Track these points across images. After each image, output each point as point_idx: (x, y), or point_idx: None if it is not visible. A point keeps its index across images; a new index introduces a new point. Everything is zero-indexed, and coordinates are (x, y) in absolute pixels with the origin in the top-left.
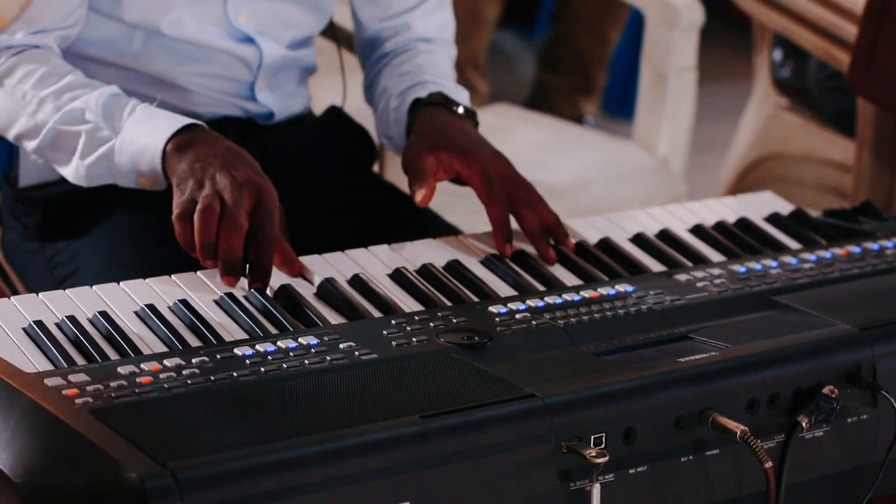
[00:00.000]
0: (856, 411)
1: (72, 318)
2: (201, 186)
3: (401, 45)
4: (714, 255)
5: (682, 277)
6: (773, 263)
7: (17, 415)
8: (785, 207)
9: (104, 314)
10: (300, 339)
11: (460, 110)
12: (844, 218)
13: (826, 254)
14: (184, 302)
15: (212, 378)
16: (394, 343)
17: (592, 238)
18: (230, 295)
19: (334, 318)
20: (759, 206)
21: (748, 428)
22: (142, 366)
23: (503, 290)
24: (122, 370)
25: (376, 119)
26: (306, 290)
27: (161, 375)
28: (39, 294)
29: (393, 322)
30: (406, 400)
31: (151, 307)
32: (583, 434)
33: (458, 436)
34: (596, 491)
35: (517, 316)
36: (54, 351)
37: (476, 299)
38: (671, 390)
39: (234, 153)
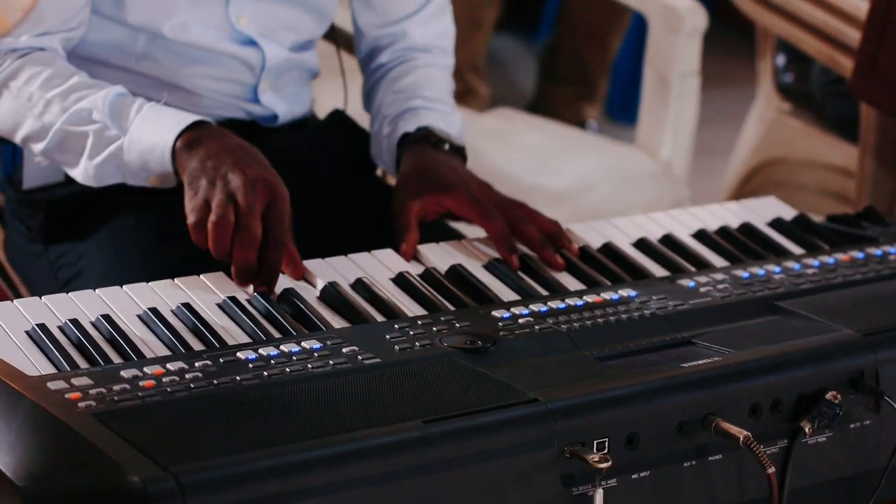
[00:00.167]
0: (859, 417)
1: (75, 322)
2: (213, 185)
3: (398, 55)
4: (717, 260)
5: (685, 282)
6: (777, 269)
7: (19, 418)
8: (788, 213)
9: (107, 317)
10: (303, 343)
11: (446, 147)
12: (847, 223)
13: (829, 259)
14: (187, 305)
15: (215, 382)
16: (397, 347)
17: (595, 243)
18: (233, 298)
19: (337, 323)
20: (763, 211)
21: (751, 433)
22: (145, 369)
23: (506, 294)
24: (125, 373)
25: (371, 138)
26: (309, 294)
27: (164, 379)
28: (42, 297)
29: (396, 326)
30: (409, 404)
31: (154, 310)
32: (586, 439)
33: (460, 440)
34: (599, 496)
35: (520, 320)
36: (57, 354)
37: (479, 304)
38: (674, 395)
39: (245, 150)
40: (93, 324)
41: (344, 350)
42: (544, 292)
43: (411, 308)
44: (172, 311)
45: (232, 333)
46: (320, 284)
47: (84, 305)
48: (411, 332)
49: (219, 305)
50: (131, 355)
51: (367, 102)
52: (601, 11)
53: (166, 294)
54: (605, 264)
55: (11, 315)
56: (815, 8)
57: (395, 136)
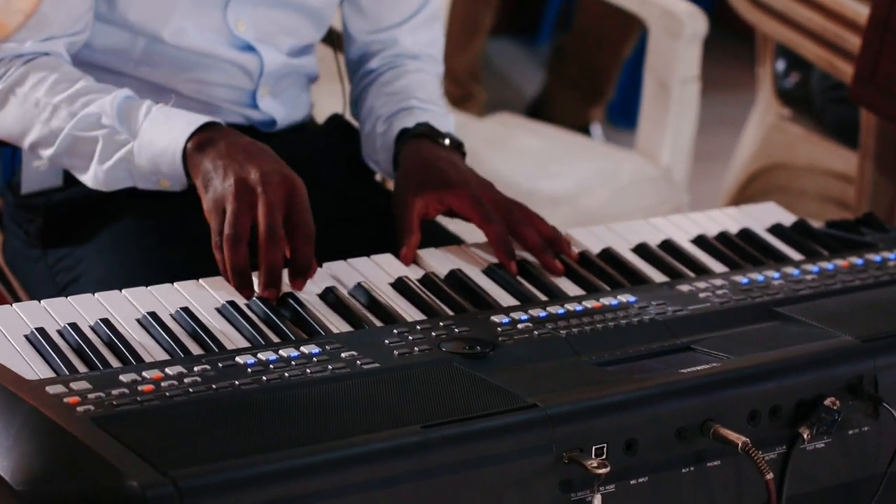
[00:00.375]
0: (857, 423)
1: (73, 326)
2: (227, 183)
3: (388, 61)
4: (716, 266)
5: (684, 288)
6: (776, 274)
7: (18, 422)
8: (787, 218)
9: (106, 321)
10: (302, 348)
11: (446, 142)
12: (847, 229)
13: (828, 265)
14: (186, 310)
15: (213, 386)
16: (396, 352)
17: (595, 248)
18: (232, 303)
19: (336, 327)
20: (762, 216)
21: (749, 439)
22: (143, 374)
23: (505, 299)
24: (123, 378)
25: (363, 140)
26: (308, 299)
27: (163, 383)
28: (41, 301)
29: (395, 331)
30: (408, 409)
31: (153, 315)
32: (584, 445)
33: (459, 446)
34: (597, 502)
35: (519, 326)
36: (56, 358)
37: (478, 309)
38: (673, 401)
39: (257, 146)
40: (92, 328)
41: (343, 355)
42: (543, 298)
43: (410, 313)
44: (171, 315)
45: (231, 338)
46: (319, 289)
47: (83, 309)
48: (410, 337)
49: (218, 310)
50: (130, 360)
51: (354, 107)
52: (615, 18)
53: (165, 298)
54: (605, 269)
55: (10, 319)
56: (815, 13)
57: (391, 133)
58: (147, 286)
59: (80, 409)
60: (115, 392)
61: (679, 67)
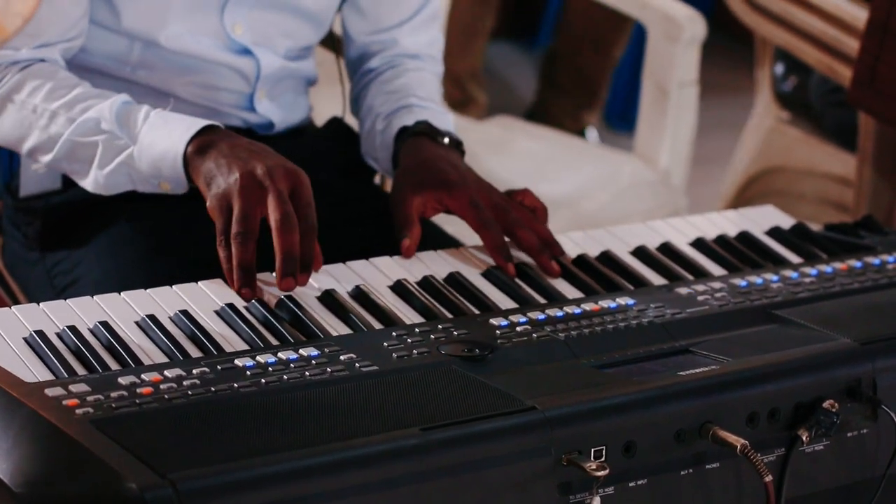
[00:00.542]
0: (856, 426)
1: (72, 328)
2: (231, 178)
3: (388, 60)
4: (715, 269)
5: (683, 291)
6: (774, 277)
7: (17, 424)
8: (786, 221)
9: (105, 324)
10: (301, 351)
11: (446, 141)
12: (845, 232)
13: (827, 268)
14: (185, 312)
15: (212, 389)
16: (394, 355)
17: (593, 251)
18: (231, 306)
19: (335, 330)
20: (761, 219)
21: (748, 442)
22: (142, 376)
23: (504, 302)
24: (122, 380)
25: (362, 137)
26: (307, 301)
27: (162, 386)
28: (40, 304)
29: (394, 334)
30: (406, 412)
31: (152, 317)
32: (583, 447)
33: (458, 448)
34: None
35: (518, 328)
36: (55, 361)
37: (477, 311)
38: (671, 404)
39: (258, 146)
40: (91, 331)
41: (341, 357)
42: (542, 300)
43: (409, 316)
44: (170, 317)
45: (230, 340)
46: (318, 291)
47: (82, 312)
48: (409, 340)
49: (217, 312)
50: (129, 362)
51: (354, 106)
52: (604, 21)
53: (164, 301)
54: (603, 272)
55: (9, 322)
56: (814, 17)
57: (390, 130)
58: (145, 289)
59: (78, 411)
60: (113, 394)
61: (678, 71)
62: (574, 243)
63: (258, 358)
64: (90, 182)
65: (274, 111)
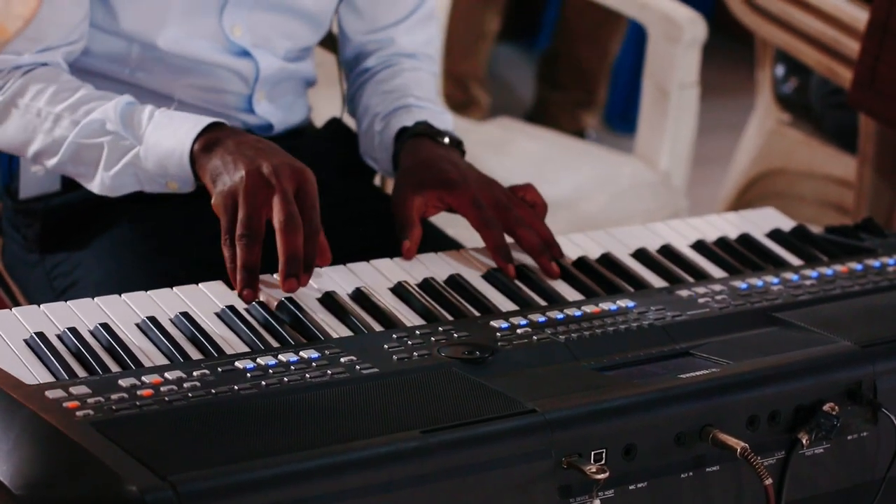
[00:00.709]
0: (856, 428)
1: (73, 330)
2: (237, 175)
3: (384, 60)
4: (715, 271)
5: (683, 293)
6: (775, 280)
7: (17, 426)
8: (786, 223)
9: (105, 326)
10: (301, 353)
11: (445, 140)
12: (846, 234)
13: (827, 270)
14: (185, 314)
15: (213, 391)
16: (395, 357)
17: (594, 253)
18: (231, 308)
19: (335, 332)
20: (761, 221)
21: (748, 444)
22: (143, 378)
23: (504, 304)
24: (123, 382)
25: (360, 137)
26: (308, 304)
27: (162, 388)
28: (41, 305)
29: (394, 336)
30: (407, 414)
31: (153, 319)
32: (583, 450)
33: (458, 451)
34: None
35: (518, 331)
36: (55, 363)
37: (477, 314)
38: (672, 406)
39: (264, 143)
40: (91, 332)
41: (342, 360)
42: (543, 303)
43: (409, 318)
44: (171, 319)
45: (230, 343)
46: (319, 293)
47: (82, 314)
48: (409, 342)
49: (217, 314)
50: (129, 364)
51: (351, 105)
52: (599, 16)
53: (164, 303)
54: (604, 274)
55: (10, 323)
56: (814, 18)
57: (389, 131)
58: (146, 290)
59: (79, 413)
60: (114, 397)
61: (678, 73)
62: (574, 245)
63: (259, 360)
64: (97, 184)
65: (273, 113)
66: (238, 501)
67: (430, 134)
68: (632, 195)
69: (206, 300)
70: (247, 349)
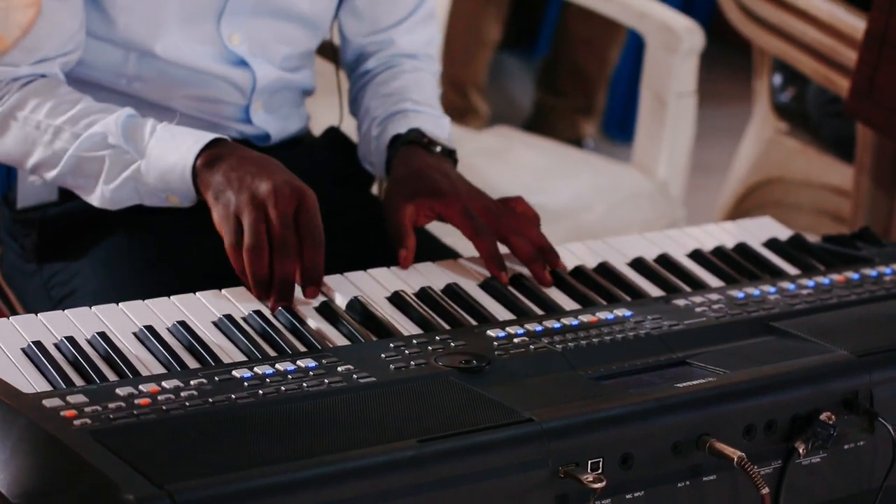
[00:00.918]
0: (853, 438)
1: (70, 339)
2: (241, 196)
3: (385, 60)
4: (712, 281)
5: (680, 302)
6: (772, 289)
7: (15, 435)
8: (783, 233)
9: (103, 335)
10: (298, 362)
11: (438, 149)
12: (843, 244)
13: (824, 280)
14: (182, 324)
15: (210, 400)
16: (392, 366)
17: (591, 262)
18: (229, 317)
19: (333, 341)
20: (758, 231)
21: (745, 454)
22: (140, 387)
23: (501, 313)
24: (120, 391)
25: (359, 139)
26: (305, 313)
27: (159, 397)
28: (38, 314)
29: (391, 345)
30: (404, 424)
31: (150, 328)
32: (580, 459)
33: (455, 460)
34: None
35: (515, 340)
36: (53, 372)
37: (474, 323)
38: (668, 416)
39: (266, 160)
40: (88, 341)
41: (339, 369)
42: (540, 312)
43: (407, 327)
44: (168, 329)
45: (227, 351)
46: (316, 303)
47: (80, 323)
48: (406, 351)
49: (214, 323)
50: (127, 373)
51: (353, 106)
52: (598, 24)
53: (162, 312)
54: (601, 284)
55: (7, 332)
56: (811, 28)
57: (384, 137)
58: (143, 300)
59: (76, 422)
60: (111, 405)
61: (676, 82)
62: (572, 254)
63: (256, 369)
64: (97, 197)
65: (270, 123)
66: None
67: (423, 142)
68: (629, 204)
69: (203, 309)
70: (244, 358)
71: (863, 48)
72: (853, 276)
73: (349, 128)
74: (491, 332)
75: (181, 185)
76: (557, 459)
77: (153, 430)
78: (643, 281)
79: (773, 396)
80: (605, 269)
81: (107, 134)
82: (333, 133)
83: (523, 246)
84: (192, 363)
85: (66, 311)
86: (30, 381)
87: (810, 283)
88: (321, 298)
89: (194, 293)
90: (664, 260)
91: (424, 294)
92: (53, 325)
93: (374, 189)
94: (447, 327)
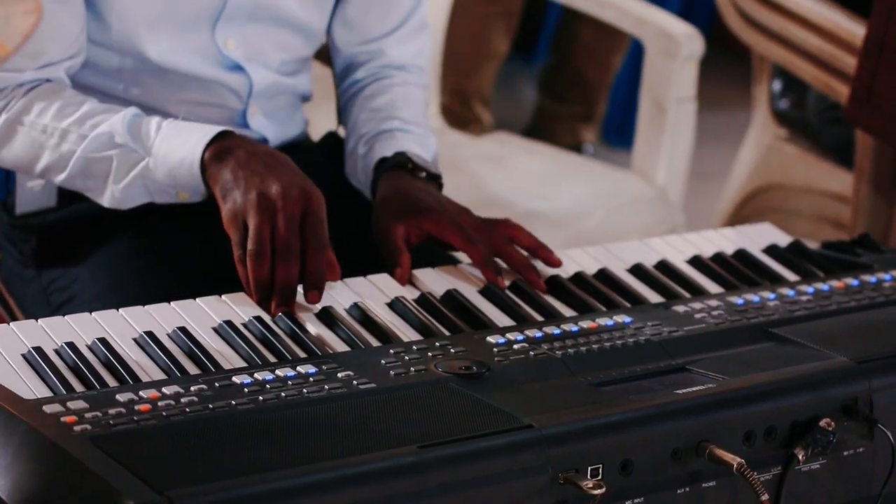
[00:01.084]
0: (852, 444)
1: (71, 345)
2: (248, 197)
3: (374, 71)
4: (712, 287)
5: (679, 309)
6: (771, 295)
7: (15, 441)
8: (783, 239)
9: (103, 341)
10: (298, 368)
11: (423, 175)
12: (842, 250)
13: (824, 286)
14: (183, 329)
15: (210, 406)
16: (392, 372)
17: (590, 268)
18: (229, 323)
19: (333, 347)
20: (758, 237)
21: (745, 460)
22: (140, 393)
23: (501, 320)
24: (120, 397)
25: (346, 155)
26: (305, 318)
27: (160, 403)
28: (38, 320)
29: (391, 351)
30: (403, 430)
31: (150, 334)
32: (580, 465)
33: (455, 466)
34: None
35: (515, 346)
36: (53, 378)
37: (474, 329)
38: (668, 422)
39: (275, 157)
40: (89, 347)
41: (339, 375)
42: (539, 318)
43: (407, 333)
44: (168, 334)
45: (227, 357)
46: (316, 309)
47: (80, 328)
48: (406, 358)
49: (215, 329)
50: (127, 379)
51: (342, 115)
52: (600, 30)
53: (162, 318)
54: (600, 290)
55: (7, 338)
56: (811, 34)
57: (371, 157)
58: (143, 305)
59: (77, 428)
60: (112, 411)
61: (675, 88)
62: (571, 260)
63: (256, 375)
64: (107, 197)
65: (268, 127)
66: None
67: (408, 167)
68: (629, 210)
69: (203, 315)
70: (244, 364)
71: (862, 55)
72: (853, 282)
73: None
74: (491, 339)
75: (190, 180)
76: (557, 465)
77: (153, 436)
78: (643, 287)
79: (772, 403)
80: (604, 275)
81: (113, 133)
82: (332, 138)
83: (516, 256)
84: (193, 369)
85: (66, 316)
86: (30, 386)
87: (810, 289)
88: (322, 304)
89: (194, 299)
90: (664, 266)
91: (424, 300)
92: (54, 331)
93: None
94: (447, 333)
